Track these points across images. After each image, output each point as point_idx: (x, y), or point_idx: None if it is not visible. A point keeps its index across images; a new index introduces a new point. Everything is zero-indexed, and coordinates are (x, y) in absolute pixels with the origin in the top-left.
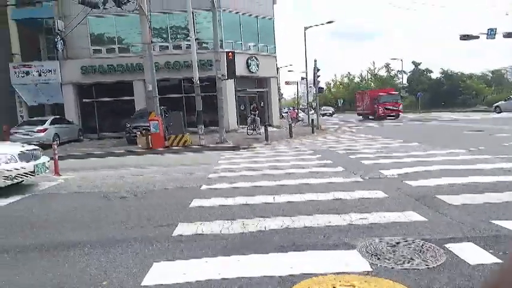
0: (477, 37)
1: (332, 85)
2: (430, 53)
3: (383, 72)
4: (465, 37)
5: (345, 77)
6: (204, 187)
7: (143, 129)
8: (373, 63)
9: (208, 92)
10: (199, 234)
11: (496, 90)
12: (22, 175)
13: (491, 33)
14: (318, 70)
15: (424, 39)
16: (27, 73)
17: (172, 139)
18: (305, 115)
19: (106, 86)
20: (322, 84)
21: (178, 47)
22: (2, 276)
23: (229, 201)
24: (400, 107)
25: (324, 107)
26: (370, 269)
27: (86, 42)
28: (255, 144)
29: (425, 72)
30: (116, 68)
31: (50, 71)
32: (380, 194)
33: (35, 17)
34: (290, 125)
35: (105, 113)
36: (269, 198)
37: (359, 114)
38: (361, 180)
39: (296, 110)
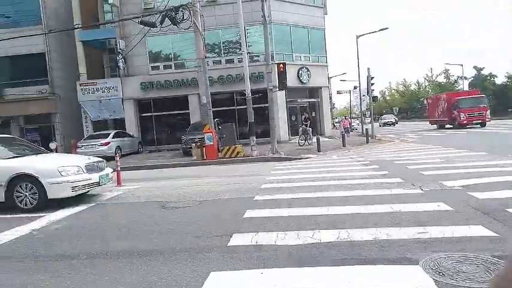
0: None
1: (387, 93)
2: (493, 57)
3: (442, 79)
4: None
5: (400, 84)
6: (257, 198)
7: (198, 141)
8: (431, 69)
9: (260, 103)
10: (254, 245)
11: None
12: (88, 186)
13: None
14: (372, 78)
15: (486, 43)
16: (92, 90)
17: (226, 150)
18: (359, 124)
19: (163, 100)
20: (376, 93)
21: (231, 61)
22: (69, 280)
23: (283, 212)
24: (488, 112)
25: (384, 116)
26: (435, 287)
27: (144, 60)
28: (307, 155)
29: (488, 78)
30: (172, 84)
31: (113, 87)
32: (443, 207)
33: (99, 38)
34: (343, 134)
35: (162, 126)
36: (323, 210)
37: (432, 123)
38: (422, 191)
39: (349, 120)
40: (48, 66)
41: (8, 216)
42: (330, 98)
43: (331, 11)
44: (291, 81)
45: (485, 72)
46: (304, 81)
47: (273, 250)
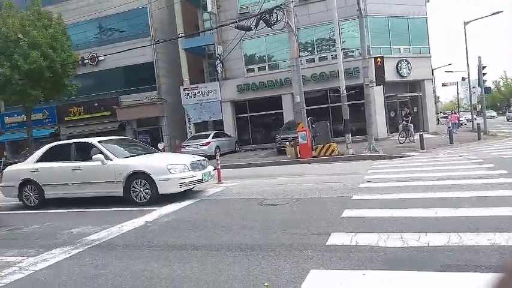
0: None
1: (501, 83)
2: None
3: None
4: None
5: None
6: (354, 197)
7: (291, 140)
8: None
9: (355, 100)
10: (354, 245)
11: None
12: (193, 182)
13: None
14: (484, 67)
15: None
16: (194, 94)
17: (319, 149)
18: (468, 120)
19: (257, 101)
20: (489, 83)
21: (324, 58)
22: (179, 269)
23: (384, 212)
24: None
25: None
26: None
27: (240, 63)
28: (408, 153)
29: None
30: (266, 84)
31: (212, 91)
32: None
33: (200, 45)
34: (450, 130)
35: (257, 126)
36: (430, 212)
37: None
38: None
39: (457, 114)
40: (156, 74)
41: (126, 209)
42: (434, 91)
43: None
44: (389, 75)
45: None
46: (404, 75)
47: (374, 251)
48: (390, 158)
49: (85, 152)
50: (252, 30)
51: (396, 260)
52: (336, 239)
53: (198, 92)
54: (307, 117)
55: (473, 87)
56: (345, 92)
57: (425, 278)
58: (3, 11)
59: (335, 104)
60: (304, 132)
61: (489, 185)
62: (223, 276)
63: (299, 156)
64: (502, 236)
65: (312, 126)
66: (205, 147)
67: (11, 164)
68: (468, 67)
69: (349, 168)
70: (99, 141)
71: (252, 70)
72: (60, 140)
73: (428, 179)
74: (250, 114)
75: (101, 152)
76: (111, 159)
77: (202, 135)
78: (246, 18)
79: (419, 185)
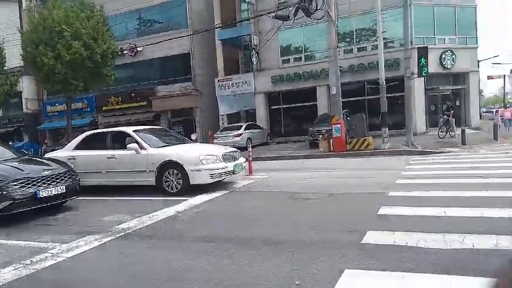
0: None
1: None
2: None
3: None
4: None
5: None
6: (391, 193)
7: (325, 133)
8: None
9: (393, 92)
10: (392, 245)
11: None
12: (224, 173)
13: None
14: None
15: None
16: (228, 85)
17: (354, 142)
18: None
19: (291, 93)
20: None
21: (363, 49)
22: (206, 262)
23: (424, 211)
24: None
25: None
26: None
27: (276, 54)
28: (449, 149)
29: None
30: (301, 76)
31: (246, 82)
32: None
33: (236, 35)
34: (495, 125)
35: (290, 118)
36: (475, 212)
37: None
38: None
39: (510, 109)
40: (191, 65)
41: (158, 198)
42: (479, 84)
43: None
44: (432, 66)
45: None
46: (448, 66)
47: (414, 252)
48: (429, 153)
49: (120, 141)
50: (290, 19)
51: (438, 263)
52: (372, 237)
53: (232, 83)
54: (343, 109)
55: None
56: (384, 83)
57: (470, 284)
58: (50, 2)
59: (372, 97)
60: (339, 125)
61: None
62: (253, 272)
63: (332, 149)
64: None
65: (347, 119)
66: (237, 138)
67: (51, 151)
68: None
69: (386, 163)
70: (134, 131)
71: (287, 61)
72: (97, 128)
73: (471, 176)
74: (283, 106)
75: (136, 141)
76: (145, 149)
77: (234, 127)
78: (284, 7)
79: (462, 183)
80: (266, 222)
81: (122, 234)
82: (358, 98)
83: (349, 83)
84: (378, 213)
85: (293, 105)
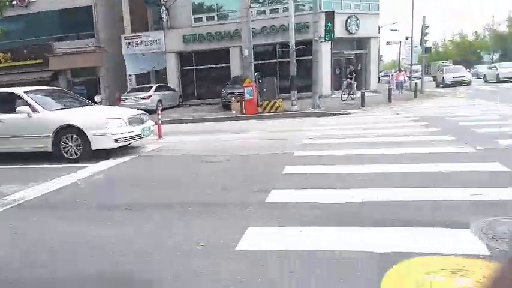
0: None
1: (440, 45)
2: None
3: (504, 28)
4: None
5: (457, 35)
6: (297, 154)
7: (237, 96)
8: (492, 17)
9: (303, 56)
10: (293, 202)
11: None
12: (130, 138)
13: None
14: (427, 27)
15: None
16: (136, 44)
17: (265, 105)
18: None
19: (204, 53)
20: (429, 44)
21: (275, 11)
22: (109, 231)
23: (324, 169)
24: None
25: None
26: (488, 253)
27: (187, 12)
28: (350, 110)
29: None
30: (214, 36)
31: (156, 40)
32: (498, 168)
33: None
34: (390, 89)
35: (203, 80)
36: (367, 168)
37: None
38: (475, 150)
39: (404, 72)
40: (94, 20)
41: (56, 165)
42: (378, 49)
43: None
44: (338, 31)
45: None
46: (352, 32)
47: (312, 208)
48: (333, 115)
49: (9, 103)
50: None
51: (333, 217)
52: (276, 196)
53: (141, 41)
54: (255, 72)
55: (415, 46)
56: (294, 47)
57: (359, 234)
58: None
59: (283, 60)
60: (251, 88)
61: (422, 142)
62: (157, 237)
63: (244, 112)
64: (432, 192)
65: (259, 81)
66: (147, 100)
67: None
68: (412, 26)
69: (293, 124)
70: (25, 92)
71: (199, 20)
72: None
73: (367, 136)
74: (196, 67)
75: (27, 104)
76: (38, 112)
77: (143, 88)
78: None
79: (359, 142)
80: (174, 186)
81: (12, 205)
82: (270, 61)
83: (261, 45)
84: (283, 172)
85: (206, 66)
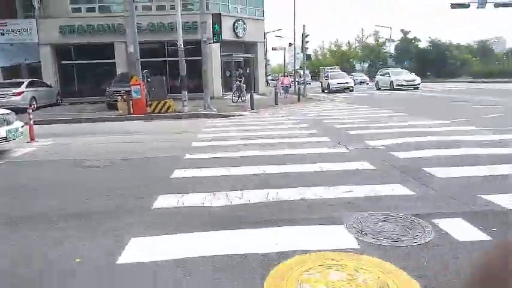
0: (467, 6)
1: (319, 52)
2: (421, 22)
3: (371, 40)
4: (456, 6)
5: (333, 43)
6: (186, 156)
7: (124, 94)
8: (362, 30)
9: (193, 56)
10: (181, 207)
11: (482, 61)
12: None
13: (481, 2)
14: (307, 36)
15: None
16: (2, 32)
17: (155, 105)
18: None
19: (86, 47)
20: (310, 51)
21: (162, 8)
22: None
23: (213, 171)
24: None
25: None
26: (358, 246)
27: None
28: (240, 112)
29: (413, 41)
30: (96, 28)
31: (26, 30)
32: (367, 166)
33: None
34: (276, 92)
35: (85, 76)
36: (254, 169)
37: None
38: (347, 151)
39: (289, 77)
40: None
41: None
42: (265, 54)
43: None
44: (227, 34)
45: (410, 36)
46: (240, 35)
47: (198, 213)
48: (224, 116)
49: None
50: None
51: (219, 219)
52: (163, 202)
53: (8, 30)
54: (143, 70)
55: (298, 53)
56: (183, 46)
57: (243, 235)
58: None
59: (173, 59)
60: (138, 86)
61: (302, 143)
62: (25, 255)
63: (132, 112)
64: (310, 191)
65: (147, 80)
66: (17, 97)
67: None
68: (294, 34)
69: (184, 126)
70: None
71: (78, 10)
72: None
73: (255, 138)
74: (76, 62)
75: None
76: None
77: (13, 83)
78: None
79: (247, 143)
80: (46, 195)
81: None
82: (159, 59)
83: (149, 42)
84: (172, 176)
85: (89, 61)
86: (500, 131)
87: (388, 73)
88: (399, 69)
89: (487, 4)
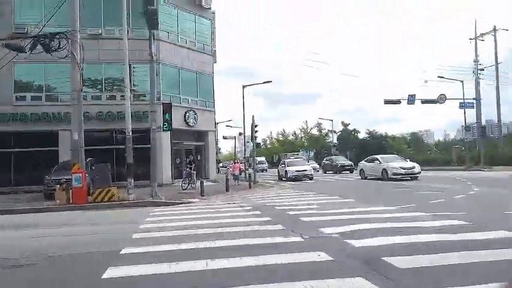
0: (399, 102)
1: (268, 141)
2: (359, 115)
3: (315, 131)
4: (389, 102)
5: (280, 134)
6: (124, 251)
7: (64, 183)
8: (306, 122)
9: (143, 144)
10: None
11: (415, 150)
12: None
13: (411, 99)
14: (256, 126)
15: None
16: None
17: (97, 194)
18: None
19: (27, 135)
20: (259, 140)
21: (113, 98)
22: None
23: (153, 268)
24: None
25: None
26: None
27: (8, 88)
28: (190, 199)
29: (353, 132)
30: (40, 117)
31: None
32: (323, 257)
33: None
34: (227, 179)
35: (24, 164)
36: (201, 264)
37: None
38: (302, 240)
39: (240, 164)
40: None
41: None
42: (216, 142)
43: (221, 60)
44: (178, 123)
45: (350, 127)
46: (191, 124)
47: None
48: (172, 204)
49: None
50: (25, 52)
51: None
52: None
53: None
54: (89, 157)
55: (248, 142)
56: (131, 134)
57: None
58: None
59: (121, 146)
60: (79, 174)
61: (255, 232)
62: None
63: (72, 201)
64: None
65: (91, 168)
66: None
67: None
68: (244, 124)
69: (127, 216)
70: None
71: (23, 98)
72: None
73: (203, 227)
74: (14, 150)
75: None
76: None
77: None
78: (20, 38)
79: (194, 234)
80: None
81: None
82: (106, 147)
83: (97, 130)
84: (103, 276)
85: (29, 149)
86: (449, 217)
87: (377, 159)
88: (389, 156)
89: (415, 101)
